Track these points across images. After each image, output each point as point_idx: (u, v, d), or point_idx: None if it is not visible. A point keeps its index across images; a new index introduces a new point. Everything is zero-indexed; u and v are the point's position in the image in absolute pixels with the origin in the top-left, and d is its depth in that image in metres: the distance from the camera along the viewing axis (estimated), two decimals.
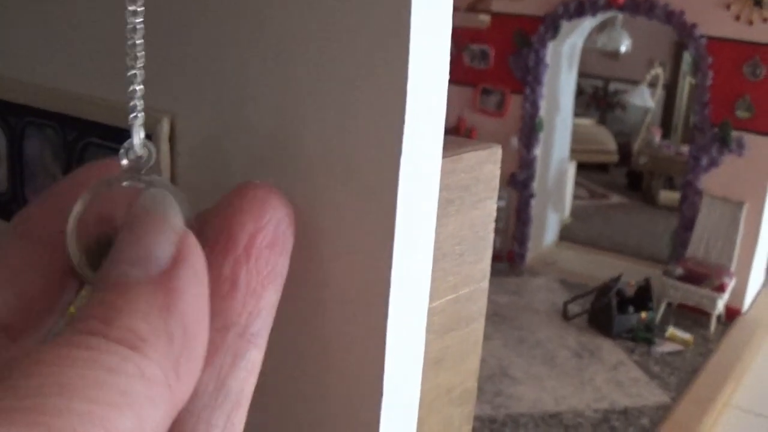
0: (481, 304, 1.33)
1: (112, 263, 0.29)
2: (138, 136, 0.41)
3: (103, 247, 0.40)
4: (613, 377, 2.81)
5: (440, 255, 1.18)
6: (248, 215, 0.35)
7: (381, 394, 0.92)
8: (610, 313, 3.08)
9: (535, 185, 3.64)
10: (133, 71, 0.39)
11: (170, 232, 0.30)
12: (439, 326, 1.24)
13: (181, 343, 0.27)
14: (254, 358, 0.33)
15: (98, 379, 0.24)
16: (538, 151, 3.58)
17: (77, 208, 0.37)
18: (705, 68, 3.11)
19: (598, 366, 2.89)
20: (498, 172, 1.22)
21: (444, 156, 1.02)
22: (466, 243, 1.24)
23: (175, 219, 0.31)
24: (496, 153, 1.19)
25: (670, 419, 2.54)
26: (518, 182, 3.61)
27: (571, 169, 4.01)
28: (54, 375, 0.24)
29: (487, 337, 3.17)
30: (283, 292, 0.50)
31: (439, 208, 1.07)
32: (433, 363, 1.25)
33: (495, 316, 3.28)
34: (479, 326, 1.35)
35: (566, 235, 4.06)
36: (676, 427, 2.50)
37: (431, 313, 1.15)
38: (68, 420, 0.23)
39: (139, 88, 0.39)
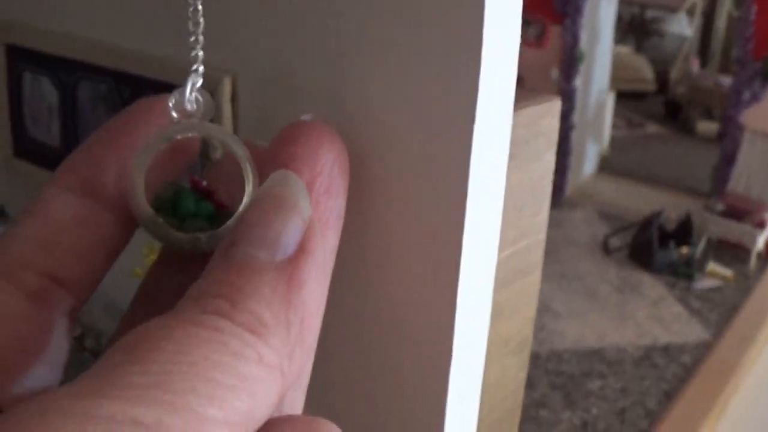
0: (538, 256, 1.33)
1: (239, 241, 0.29)
2: (189, 89, 0.39)
3: (163, 201, 0.40)
4: (655, 313, 2.81)
5: (501, 210, 1.16)
6: (303, 162, 0.35)
7: (451, 348, 0.93)
8: (651, 247, 3.07)
9: (575, 116, 3.61)
10: (194, 37, 0.39)
11: (299, 218, 0.30)
12: (497, 279, 1.24)
13: (298, 333, 0.28)
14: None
15: (222, 362, 0.25)
16: (578, 83, 3.54)
17: (138, 168, 0.36)
18: (748, 1, 3.04)
19: (639, 301, 2.89)
20: (557, 125, 1.21)
21: None
22: (525, 197, 1.24)
23: (305, 205, 0.31)
24: (555, 106, 1.18)
25: (712, 356, 2.55)
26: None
27: (610, 100, 3.96)
28: (182, 354, 0.25)
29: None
30: (348, 242, 0.50)
31: None
32: (492, 314, 1.25)
33: None
34: (536, 277, 1.35)
35: (605, 165, 4.03)
36: (717, 364, 2.51)
37: (497, 264, 1.12)
38: (189, 400, 0.24)
39: (200, 54, 0.39)
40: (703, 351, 2.59)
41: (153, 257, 1.21)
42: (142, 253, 1.23)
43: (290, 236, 0.29)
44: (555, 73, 3.52)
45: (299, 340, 0.28)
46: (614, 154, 4.17)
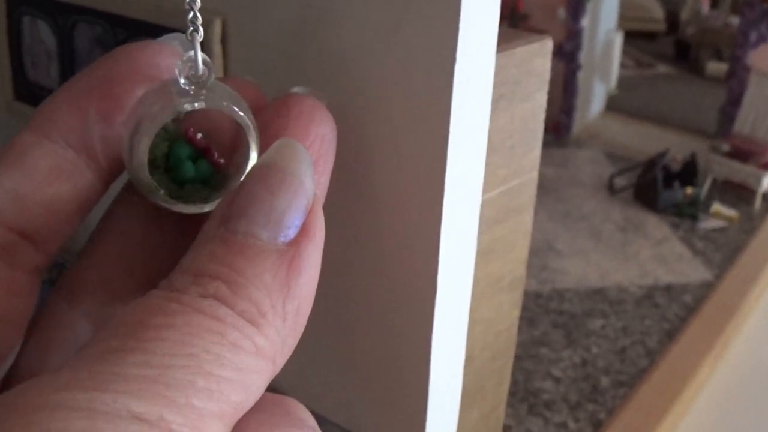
0: (531, 194, 1.34)
1: (240, 215, 0.28)
2: (200, 51, 0.38)
3: (156, 157, 0.38)
4: (658, 253, 2.83)
5: (490, 149, 1.19)
6: (292, 136, 0.35)
7: (435, 285, 0.94)
8: (655, 187, 3.07)
9: (582, 56, 3.58)
10: None
11: (304, 197, 0.29)
12: (489, 218, 1.26)
13: (292, 323, 0.28)
14: None
15: (221, 355, 0.25)
16: (585, 22, 3.51)
17: (144, 141, 0.34)
18: None
19: (642, 241, 2.90)
20: (548, 65, 1.22)
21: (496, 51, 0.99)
22: (516, 136, 1.25)
23: (309, 181, 0.30)
24: (546, 46, 1.19)
25: (713, 297, 2.56)
26: (565, 53, 3.55)
27: (618, 39, 3.93)
28: (183, 344, 0.25)
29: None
30: (337, 192, 0.50)
31: (491, 104, 1.07)
32: (483, 254, 1.27)
33: (540, 189, 3.25)
34: (528, 216, 1.37)
35: (612, 105, 4.01)
36: (718, 304, 2.52)
37: (482, 206, 1.16)
38: (190, 396, 0.24)
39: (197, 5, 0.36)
40: (705, 291, 2.61)
41: None
42: None
43: (294, 217, 0.28)
44: (562, 12, 3.49)
45: (293, 328, 0.28)
46: (622, 94, 4.14)
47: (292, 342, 0.29)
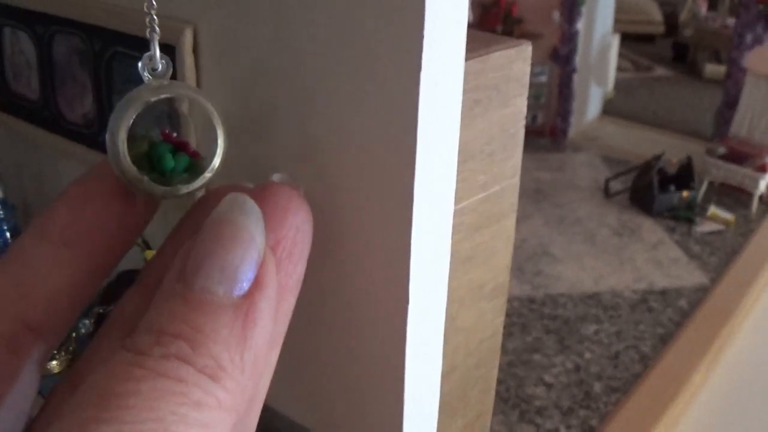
0: (512, 200, 1.33)
1: (196, 270, 0.29)
2: (158, 48, 0.42)
3: (139, 156, 0.43)
4: (653, 257, 2.81)
5: (468, 156, 1.17)
6: (268, 225, 0.35)
7: (407, 297, 0.93)
8: (651, 191, 3.06)
9: (578, 60, 3.58)
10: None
11: (255, 251, 0.30)
12: (469, 225, 1.24)
13: (251, 373, 0.29)
14: (271, 360, 0.35)
15: (187, 414, 0.26)
16: (580, 25, 3.50)
17: (120, 130, 0.40)
18: None
19: (638, 245, 2.89)
20: (528, 69, 1.20)
21: (471, 56, 1.01)
22: (495, 142, 1.24)
23: (259, 235, 0.31)
24: (525, 51, 1.17)
25: (709, 301, 2.55)
26: (560, 57, 3.54)
27: (615, 42, 3.92)
28: (150, 410, 0.25)
29: (527, 215, 3.18)
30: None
31: (466, 110, 1.06)
32: (463, 261, 1.25)
33: (536, 194, 3.27)
34: (510, 222, 1.35)
35: (609, 109, 4.00)
36: (714, 309, 2.51)
37: (461, 213, 1.15)
38: None
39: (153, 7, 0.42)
40: (700, 295, 2.59)
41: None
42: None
43: (247, 271, 0.29)
44: (556, 15, 3.48)
45: (251, 377, 0.29)
46: (619, 98, 4.14)
47: (252, 389, 0.29)
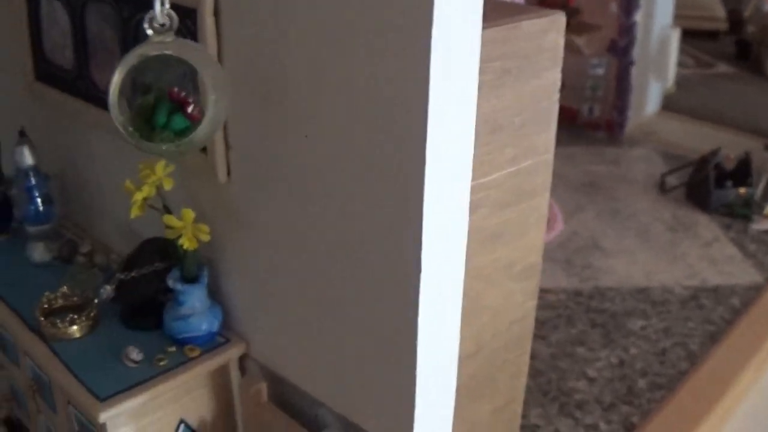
0: (545, 177, 1.27)
1: None
2: (159, 4, 0.50)
3: (144, 106, 0.47)
4: (707, 254, 2.73)
5: (496, 127, 1.12)
6: None
7: (419, 268, 0.88)
8: (707, 186, 2.97)
9: (636, 52, 3.50)
10: None
11: None
12: (496, 200, 1.19)
13: None
14: None
15: None
16: (638, 17, 3.42)
17: (117, 80, 0.46)
18: None
19: (692, 241, 2.81)
20: (562, 42, 1.15)
21: (499, 24, 0.97)
22: (526, 114, 1.18)
23: None
24: (558, 21, 1.12)
25: (762, 300, 2.46)
26: (618, 49, 3.46)
27: (675, 36, 3.82)
28: None
29: (579, 208, 3.12)
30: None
31: (494, 78, 1.02)
32: (490, 237, 1.20)
33: (590, 187, 3.20)
34: (543, 200, 1.29)
35: (669, 104, 3.91)
36: (766, 308, 2.42)
37: (487, 186, 1.10)
38: None
39: None
40: (753, 294, 2.50)
41: (147, 172, 1.19)
42: (138, 168, 1.22)
43: None
44: (614, 7, 3.40)
45: None
46: (680, 93, 4.04)
47: None
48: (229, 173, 1.19)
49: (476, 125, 1.08)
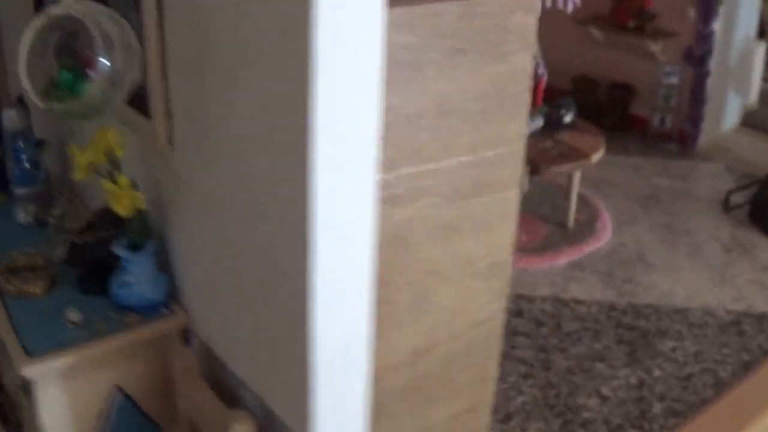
0: (513, 170, 1.16)
1: None
2: None
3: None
4: (760, 278, 2.56)
5: (446, 110, 1.02)
6: None
7: (311, 249, 0.77)
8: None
9: (714, 63, 3.33)
10: None
11: None
12: (450, 190, 1.09)
13: None
14: None
15: None
16: (717, 26, 3.25)
17: (23, 45, 0.54)
18: None
19: (746, 264, 2.64)
20: (533, 23, 1.04)
21: None
22: (488, 100, 1.07)
23: None
24: (528, 1, 1.00)
25: None
26: (694, 58, 3.30)
27: (760, 50, 3.63)
28: None
29: (633, 219, 2.98)
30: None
31: (444, 58, 0.93)
32: (443, 229, 1.10)
33: (649, 199, 3.06)
34: (512, 195, 1.18)
35: (750, 120, 3.71)
36: None
37: (436, 174, 1.01)
38: None
39: None
40: None
41: (99, 137, 1.15)
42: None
43: None
44: (692, 13, 3.24)
45: None
46: (764, 109, 3.83)
47: None
48: (171, 141, 1.14)
49: (422, 107, 1.00)
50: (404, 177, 1.03)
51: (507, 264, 1.29)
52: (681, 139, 3.48)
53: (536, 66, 2.74)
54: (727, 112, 3.59)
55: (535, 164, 2.51)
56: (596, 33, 3.60)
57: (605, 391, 2.03)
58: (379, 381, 1.14)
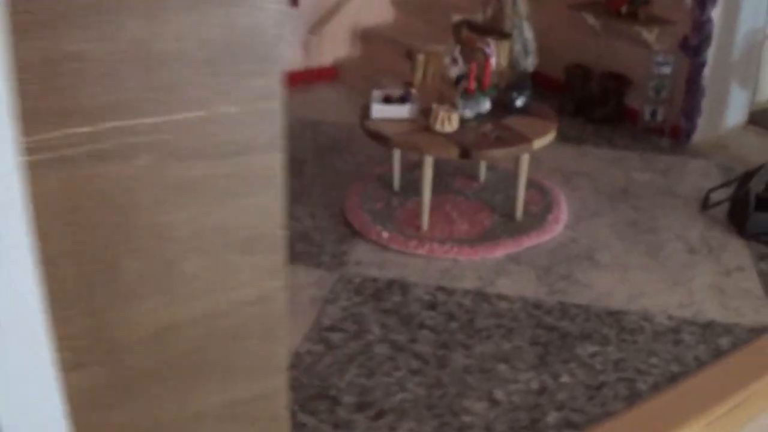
0: (272, 131, 1.03)
1: None
2: None
3: None
4: (720, 283, 2.32)
5: (152, 57, 0.87)
6: None
7: None
8: (746, 207, 2.55)
9: (713, 54, 3.07)
10: None
11: None
12: (179, 148, 0.94)
13: None
14: None
15: None
16: (716, 13, 2.99)
17: None
18: None
19: (708, 267, 2.40)
20: None
21: None
22: (218, 48, 0.93)
23: None
24: None
25: (756, 344, 2.06)
26: (690, 47, 3.05)
27: None
28: None
29: (595, 214, 2.75)
30: None
31: None
32: (179, 192, 0.95)
33: (621, 193, 2.83)
34: (273, 159, 1.05)
35: (758, 118, 3.44)
36: (756, 352, 2.02)
37: (152, 129, 0.87)
38: None
39: None
40: (751, 337, 2.09)
41: None
42: None
43: None
44: None
45: None
46: None
47: None
48: None
49: (121, 54, 0.85)
50: (110, 132, 0.88)
51: (276, 238, 1.12)
52: (674, 134, 3.24)
53: (485, 46, 2.55)
54: (730, 108, 3.33)
55: (465, 148, 2.31)
56: (590, 19, 3.37)
57: (499, 395, 1.84)
58: (121, 359, 1.03)
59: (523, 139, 2.39)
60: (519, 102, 2.52)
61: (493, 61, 2.49)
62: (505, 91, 2.56)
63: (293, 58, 3.82)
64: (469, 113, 2.45)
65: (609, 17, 3.28)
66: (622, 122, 3.42)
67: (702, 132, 3.22)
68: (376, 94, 2.57)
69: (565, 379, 1.89)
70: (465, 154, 2.31)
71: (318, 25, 3.83)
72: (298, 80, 3.80)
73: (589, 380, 1.89)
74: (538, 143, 2.41)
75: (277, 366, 1.22)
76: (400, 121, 2.47)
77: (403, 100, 2.54)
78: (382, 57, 3.72)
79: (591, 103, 3.43)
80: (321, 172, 2.99)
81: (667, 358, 1.99)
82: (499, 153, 2.38)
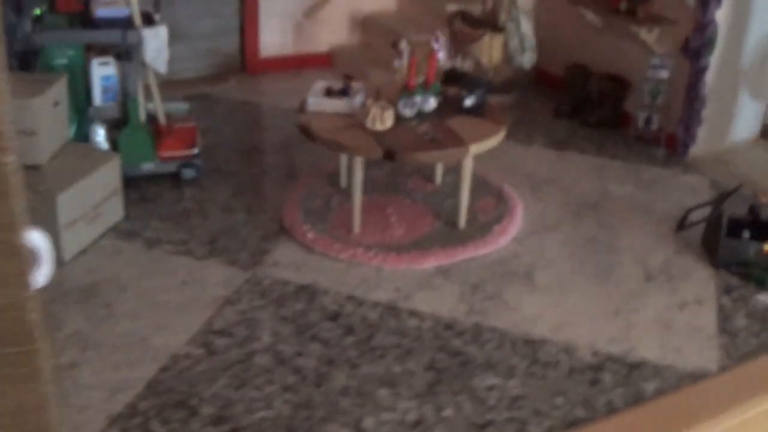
0: None
1: None
2: None
3: None
4: (668, 317, 2.11)
5: None
6: None
7: None
8: (717, 233, 2.32)
9: (719, 59, 2.83)
10: None
11: None
12: None
13: None
14: None
15: None
16: (722, 15, 2.74)
17: None
18: None
19: (662, 298, 2.19)
20: None
21: None
22: None
23: None
24: None
25: (681, 395, 1.84)
26: (690, 50, 2.81)
27: None
28: None
29: (552, 227, 2.54)
30: None
31: None
32: None
33: (589, 208, 2.63)
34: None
35: None
36: (679, 409, 1.81)
37: None
38: None
39: None
40: (683, 384, 1.88)
41: None
42: None
43: None
44: None
45: None
46: None
47: None
48: None
49: None
50: None
51: (17, 246, 1.00)
52: (670, 144, 3.00)
53: (434, 40, 2.35)
54: (738, 120, 3.07)
55: (389, 149, 2.13)
56: (590, 16, 3.14)
57: (368, 423, 1.68)
58: None
59: (460, 142, 2.20)
60: (468, 102, 2.33)
61: (440, 55, 2.31)
62: (448, 88, 2.37)
63: (283, 42, 3.70)
64: (408, 112, 2.27)
65: (608, 13, 3.06)
66: (618, 128, 3.19)
67: (703, 144, 2.97)
68: (318, 86, 2.42)
69: (448, 412, 1.72)
70: (389, 155, 2.13)
71: (314, 9, 3.67)
72: (289, 65, 3.67)
73: (474, 417, 1.71)
74: (476, 148, 2.21)
75: (37, 378, 1.09)
76: (339, 115, 2.31)
77: (343, 93, 2.37)
78: (379, 46, 3.54)
79: (588, 105, 3.20)
80: (278, 163, 2.85)
81: (575, 401, 1.79)
82: (428, 156, 2.19)
